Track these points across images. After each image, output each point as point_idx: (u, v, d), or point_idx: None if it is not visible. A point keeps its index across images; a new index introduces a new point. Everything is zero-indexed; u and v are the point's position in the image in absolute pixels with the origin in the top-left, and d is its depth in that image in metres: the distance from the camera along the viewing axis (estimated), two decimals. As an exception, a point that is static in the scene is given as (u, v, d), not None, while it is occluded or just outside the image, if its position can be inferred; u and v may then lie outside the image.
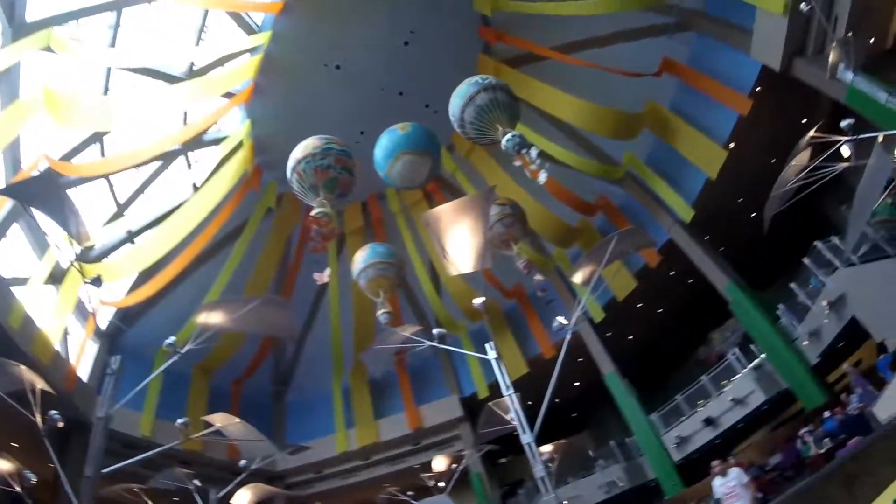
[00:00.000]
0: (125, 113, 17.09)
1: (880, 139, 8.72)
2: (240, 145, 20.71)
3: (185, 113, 20.45)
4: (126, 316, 20.95)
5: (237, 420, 10.39)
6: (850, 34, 10.30)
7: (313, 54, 20.12)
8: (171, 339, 8.35)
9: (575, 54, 19.75)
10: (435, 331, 9.74)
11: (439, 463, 17.94)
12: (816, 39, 14.18)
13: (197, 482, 12.54)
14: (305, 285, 16.27)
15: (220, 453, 20.51)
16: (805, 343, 16.52)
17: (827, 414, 14.01)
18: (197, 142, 20.75)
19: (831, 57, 9.82)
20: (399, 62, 20.90)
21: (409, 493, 18.15)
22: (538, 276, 10.78)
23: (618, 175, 22.18)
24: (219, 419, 10.19)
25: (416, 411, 25.18)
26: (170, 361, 8.40)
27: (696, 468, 18.83)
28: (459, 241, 8.18)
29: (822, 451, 13.05)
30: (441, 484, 17.42)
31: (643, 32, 19.16)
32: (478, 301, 9.24)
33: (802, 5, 10.41)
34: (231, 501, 13.79)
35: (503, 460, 27.97)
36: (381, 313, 10.25)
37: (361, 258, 10.88)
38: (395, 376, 25.96)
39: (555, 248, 24.14)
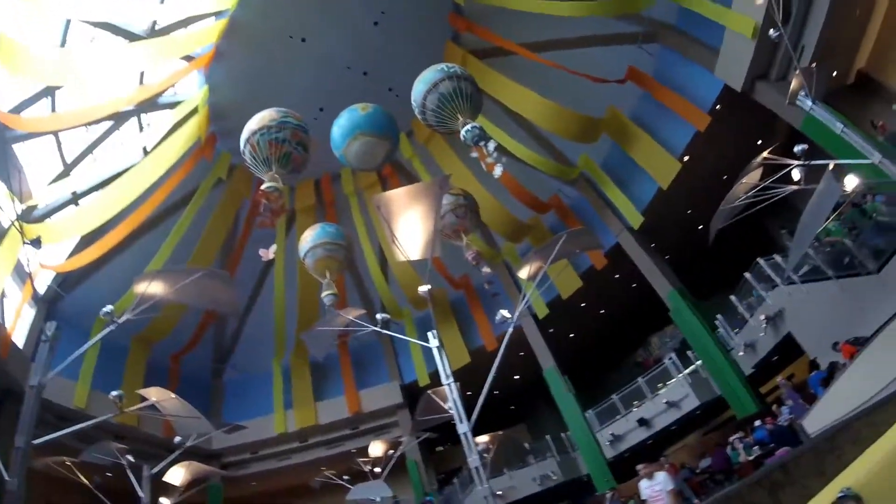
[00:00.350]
0: (81, 68, 16.21)
1: (831, 167, 9.06)
2: (195, 111, 20.04)
3: (142, 73, 19.59)
4: (66, 281, 20.03)
5: (173, 395, 10.12)
6: (814, 64, 10.59)
7: (280, 24, 19.60)
8: (109, 307, 8.04)
9: (543, 53, 19.77)
10: (379, 316, 9.64)
11: (376, 448, 17.93)
12: (780, 66, 14.59)
13: (130, 457, 12.20)
14: (252, 260, 15.93)
15: (156, 429, 19.96)
16: (741, 354, 17.09)
17: (758, 423, 14.55)
18: (151, 104, 19.98)
19: (793, 83, 10.06)
20: (367, 42, 20.57)
21: (346, 477, 18.08)
22: (486, 269, 10.77)
23: (572, 176, 22.46)
24: (154, 393, 9.90)
25: (356, 395, 25.12)
26: (106, 331, 8.07)
27: (628, 466, 19.32)
28: (410, 227, 8.12)
29: (751, 458, 13.59)
30: (377, 469, 17.44)
31: (612, 39, 19.37)
32: (423, 289, 9.18)
33: (772, 31, 10.57)
34: (164, 479, 13.49)
35: (440, 448, 28.25)
36: (325, 294, 10.10)
37: (310, 237, 10.68)
38: (337, 359, 25.79)
39: (504, 243, 24.27)
